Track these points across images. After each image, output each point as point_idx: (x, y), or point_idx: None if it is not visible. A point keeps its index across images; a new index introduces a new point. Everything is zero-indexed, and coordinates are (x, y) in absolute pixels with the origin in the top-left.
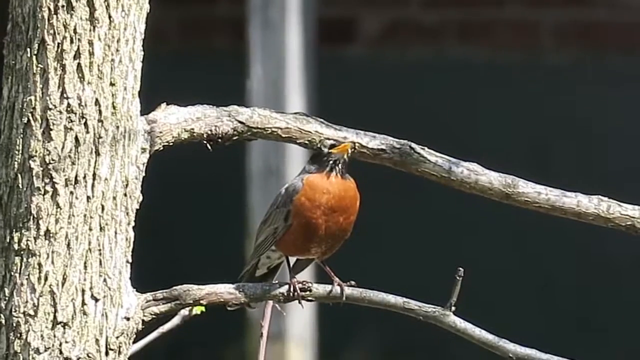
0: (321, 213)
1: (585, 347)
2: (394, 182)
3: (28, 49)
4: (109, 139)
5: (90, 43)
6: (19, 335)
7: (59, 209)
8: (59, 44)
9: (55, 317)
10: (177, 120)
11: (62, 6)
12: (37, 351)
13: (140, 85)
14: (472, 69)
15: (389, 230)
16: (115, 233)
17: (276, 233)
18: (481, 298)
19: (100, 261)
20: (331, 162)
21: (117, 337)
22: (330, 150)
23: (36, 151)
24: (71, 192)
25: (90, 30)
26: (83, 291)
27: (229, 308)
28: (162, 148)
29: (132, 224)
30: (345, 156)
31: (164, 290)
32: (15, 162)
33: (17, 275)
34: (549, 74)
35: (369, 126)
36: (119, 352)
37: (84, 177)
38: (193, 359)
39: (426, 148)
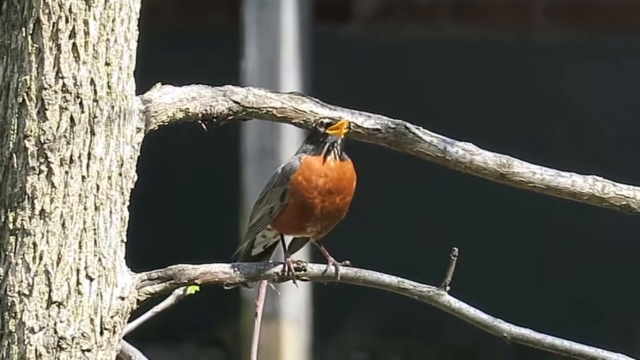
0: (318, 193)
1: (581, 326)
2: (390, 161)
3: (23, 29)
4: (104, 119)
5: (86, 22)
6: (13, 314)
7: (54, 189)
8: (54, 23)
9: (50, 296)
10: (172, 99)
11: None
12: (32, 330)
13: (135, 65)
14: (466, 48)
15: (384, 210)
16: (110, 212)
17: (272, 212)
18: (476, 278)
19: (95, 241)
20: (328, 143)
21: (111, 317)
22: (326, 131)
23: (31, 131)
24: (66, 172)
25: (85, 10)
26: (78, 271)
27: (225, 287)
28: (157, 128)
29: (127, 203)
30: (342, 137)
31: (159, 270)
32: (10, 142)
33: (12, 254)
34: (543, 53)
35: (364, 106)
36: (114, 332)
37: (79, 157)
38: (187, 338)
39: (421, 128)
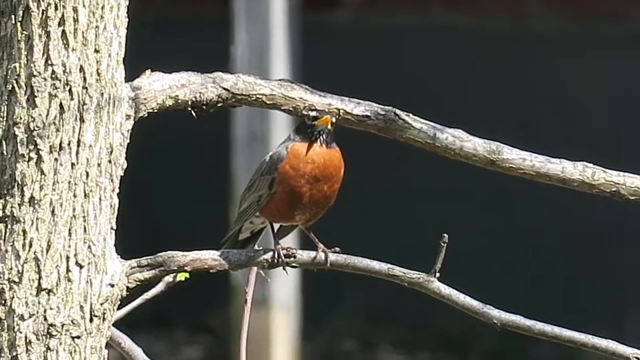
0: (305, 181)
1: (570, 313)
2: (380, 148)
3: (12, 16)
4: (94, 106)
5: (75, 10)
6: (3, 301)
7: (43, 176)
8: (43, 10)
9: (39, 283)
10: (162, 87)
11: None
12: (22, 317)
13: (124, 52)
14: (457, 36)
15: (373, 197)
16: (100, 200)
17: (260, 200)
18: (466, 265)
19: (85, 228)
20: (315, 132)
21: (101, 304)
22: (313, 123)
23: (20, 118)
24: (55, 159)
25: None
26: (67, 258)
27: (211, 271)
28: (146, 115)
29: (117, 190)
30: (329, 127)
31: (149, 257)
32: (0, 129)
33: (1, 242)
34: (535, 41)
35: (354, 92)
36: (104, 319)
37: (69, 144)
38: (177, 325)
39: (411, 114)
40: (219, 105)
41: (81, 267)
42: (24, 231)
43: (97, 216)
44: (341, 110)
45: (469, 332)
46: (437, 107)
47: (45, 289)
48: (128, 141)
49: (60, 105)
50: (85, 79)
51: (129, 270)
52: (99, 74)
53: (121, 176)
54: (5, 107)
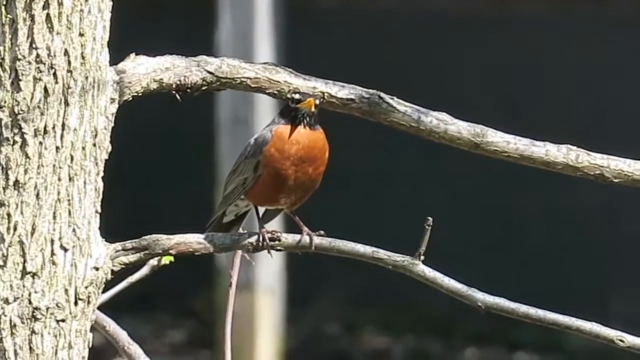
0: (290, 164)
1: (555, 296)
2: (364, 132)
3: None
4: (78, 90)
5: None
6: None
7: (28, 159)
8: None
9: (24, 267)
10: (146, 70)
11: None
12: (6, 301)
13: (109, 36)
14: (442, 20)
15: (358, 180)
16: (85, 183)
17: (245, 183)
18: (451, 248)
19: (70, 211)
20: (299, 115)
21: (86, 287)
22: (296, 106)
23: (5, 102)
24: (40, 143)
25: None
26: (52, 241)
27: (196, 254)
28: (131, 98)
29: (101, 174)
30: (312, 109)
31: (133, 240)
32: None
33: None
34: (520, 25)
35: (339, 76)
36: (88, 302)
37: (53, 128)
38: (162, 308)
39: (395, 98)
40: (204, 88)
41: (66, 250)
42: (9, 215)
43: (81, 200)
44: (325, 94)
45: (454, 314)
46: (422, 91)
47: (29, 273)
48: (113, 125)
49: (45, 88)
50: (69, 63)
51: (113, 254)
52: (83, 58)
53: (106, 160)
54: None
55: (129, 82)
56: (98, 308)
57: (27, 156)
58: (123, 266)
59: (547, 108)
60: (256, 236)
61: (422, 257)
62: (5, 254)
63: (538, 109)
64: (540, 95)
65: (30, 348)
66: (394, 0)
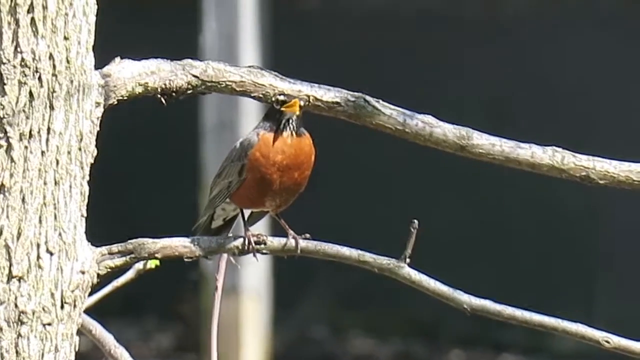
0: (276, 169)
1: (540, 298)
2: (350, 134)
3: None
4: (63, 93)
5: None
6: None
7: (13, 163)
8: None
9: (10, 271)
10: (132, 74)
11: None
12: None
13: (94, 40)
14: (428, 20)
15: (344, 183)
16: (70, 187)
17: (230, 186)
18: (437, 250)
19: (55, 215)
20: (284, 120)
21: (72, 291)
22: (281, 108)
23: None
24: (25, 147)
25: None
26: (38, 245)
27: (185, 260)
28: (116, 102)
29: (87, 178)
30: (297, 113)
31: (119, 244)
32: None
33: None
34: (508, 23)
35: (324, 79)
36: (75, 306)
37: (39, 132)
38: (148, 312)
39: (380, 101)
40: (189, 92)
41: (52, 254)
42: None
43: (67, 203)
44: (311, 97)
45: (440, 316)
46: (408, 93)
47: (15, 276)
48: (98, 128)
49: (30, 92)
50: (54, 67)
51: (99, 258)
52: (68, 62)
53: (91, 163)
54: None
55: (114, 86)
56: (84, 311)
57: (12, 160)
58: (109, 270)
59: (535, 109)
60: (242, 239)
61: (408, 260)
62: None
63: (526, 110)
64: (529, 96)
65: (17, 351)
66: (378, 0)
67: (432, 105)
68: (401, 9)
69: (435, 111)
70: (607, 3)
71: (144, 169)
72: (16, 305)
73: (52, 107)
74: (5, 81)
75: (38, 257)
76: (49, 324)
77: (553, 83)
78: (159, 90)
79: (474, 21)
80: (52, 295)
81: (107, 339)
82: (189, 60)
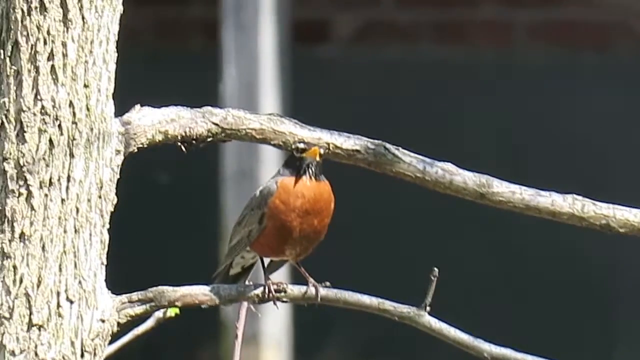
0: (295, 216)
1: (560, 346)
2: (370, 181)
3: (1, 51)
4: (83, 141)
5: (64, 44)
6: None
7: (33, 212)
8: (32, 45)
9: (30, 319)
10: (152, 121)
11: (36, 7)
12: (13, 353)
13: (114, 87)
14: (446, 69)
15: (364, 231)
16: (90, 235)
17: (250, 235)
18: (457, 297)
19: (75, 263)
20: (304, 165)
21: (92, 339)
22: (301, 155)
23: (10, 153)
24: (46, 195)
25: (63, 32)
26: (58, 293)
27: (202, 306)
28: (136, 150)
29: (107, 226)
30: (317, 159)
31: (139, 292)
32: None
33: None
34: (523, 74)
35: (344, 127)
36: (95, 354)
37: (59, 179)
38: None
39: (400, 148)
40: (209, 140)
41: (72, 302)
42: (15, 267)
43: (87, 252)
44: (331, 144)
45: None
46: (427, 140)
47: (36, 325)
48: (118, 176)
49: (50, 140)
50: (74, 114)
51: (119, 306)
52: (88, 109)
53: (111, 211)
54: None
55: (134, 134)
56: None
57: (32, 208)
58: (129, 318)
59: (552, 157)
60: (262, 287)
61: (429, 308)
62: (12, 306)
63: (544, 158)
64: (544, 143)
65: None
66: (399, 49)
67: (451, 153)
68: (418, 58)
69: (455, 158)
70: (624, 53)
71: (164, 217)
72: (36, 354)
73: (72, 155)
74: (26, 129)
75: (58, 305)
76: None
77: (568, 131)
78: (179, 137)
79: (490, 70)
80: (72, 343)
81: None
82: (209, 108)
